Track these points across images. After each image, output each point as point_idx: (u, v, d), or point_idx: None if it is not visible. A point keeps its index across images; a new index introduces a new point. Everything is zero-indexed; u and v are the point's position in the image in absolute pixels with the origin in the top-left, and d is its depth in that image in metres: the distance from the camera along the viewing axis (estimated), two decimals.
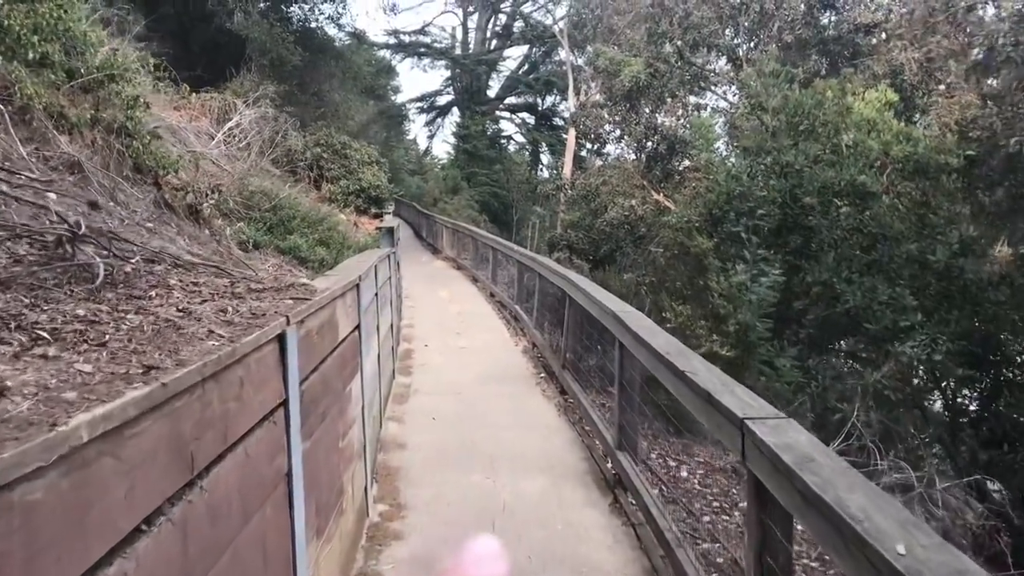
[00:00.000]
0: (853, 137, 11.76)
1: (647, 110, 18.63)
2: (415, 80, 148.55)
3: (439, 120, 56.09)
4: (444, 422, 6.78)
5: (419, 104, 54.75)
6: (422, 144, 60.31)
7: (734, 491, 5.81)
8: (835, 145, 11.81)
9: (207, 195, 7.04)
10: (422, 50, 50.10)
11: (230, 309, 2.95)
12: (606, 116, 19.19)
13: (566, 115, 46.13)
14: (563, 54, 42.75)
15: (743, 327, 7.40)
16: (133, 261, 3.56)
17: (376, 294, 6.44)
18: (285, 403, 2.84)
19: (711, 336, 7.39)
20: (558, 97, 48.90)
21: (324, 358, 3.60)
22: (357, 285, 4.70)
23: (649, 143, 18.86)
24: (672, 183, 19.40)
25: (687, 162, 19.97)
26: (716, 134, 15.10)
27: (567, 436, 6.46)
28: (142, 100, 7.08)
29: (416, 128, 59.80)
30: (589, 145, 22.56)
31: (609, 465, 5.62)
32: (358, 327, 4.74)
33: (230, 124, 12.97)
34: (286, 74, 19.74)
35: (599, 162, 35.91)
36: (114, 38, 12.79)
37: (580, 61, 36.41)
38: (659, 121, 18.45)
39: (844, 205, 10.82)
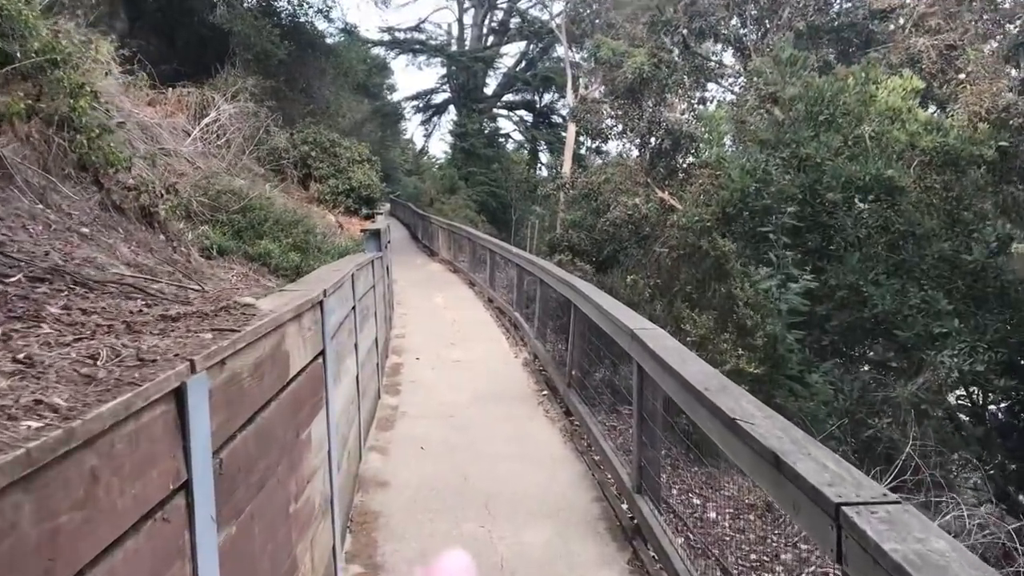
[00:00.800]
0: (876, 127, 10.93)
1: (650, 104, 17.78)
2: (411, 78, 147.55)
3: (435, 119, 55.34)
4: (434, 452, 5.93)
5: (415, 102, 53.99)
6: (418, 143, 59.57)
7: (772, 538, 4.96)
8: (857, 136, 10.98)
9: (162, 195, 6.20)
10: (417, 47, 49.28)
11: (108, 352, 2.09)
12: (607, 110, 18.34)
13: (565, 112, 45.33)
14: (561, 50, 41.96)
15: (771, 339, 6.57)
16: (11, 280, 2.69)
17: (354, 308, 5.60)
18: (187, 485, 1.99)
19: (735, 350, 6.56)
20: (556, 94, 48.11)
21: (263, 405, 2.74)
22: (320, 303, 3.85)
23: (652, 139, 18.00)
24: (676, 180, 18.57)
25: (691, 158, 19.18)
26: (726, 128, 14.24)
27: (575, 470, 5.60)
28: (89, 89, 6.22)
29: (412, 127, 58.91)
30: (590, 142, 21.72)
31: (625, 507, 4.77)
32: (322, 353, 3.89)
33: (207, 120, 12.13)
34: (272, 69, 18.89)
35: (599, 160, 35.32)
36: (87, 30, 11.97)
37: (578, 57, 35.61)
38: (663, 115, 17.58)
39: (871, 201, 9.98)
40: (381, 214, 18.07)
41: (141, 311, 2.70)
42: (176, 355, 2.07)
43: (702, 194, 16.30)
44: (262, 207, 8.18)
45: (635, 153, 19.21)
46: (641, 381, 4.41)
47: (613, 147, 20.93)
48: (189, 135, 12.20)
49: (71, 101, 6.01)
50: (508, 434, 6.35)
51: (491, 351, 9.84)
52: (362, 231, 9.46)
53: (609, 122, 18.44)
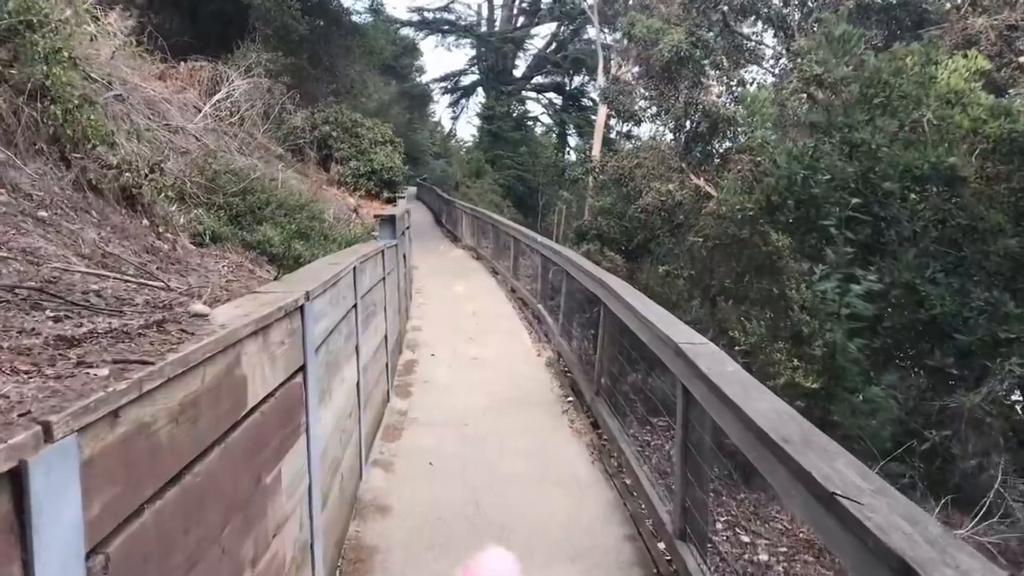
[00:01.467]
0: (936, 111, 10.00)
1: (686, 85, 16.88)
2: (439, 59, 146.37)
3: (463, 101, 54.53)
4: (444, 470, 5.25)
5: (443, 84, 53.22)
6: (446, 126, 58.89)
7: None
8: (915, 121, 10.07)
9: (147, 175, 5.54)
10: (446, 27, 48.41)
11: None
12: (641, 91, 17.48)
13: (595, 95, 44.31)
14: (592, 32, 40.92)
15: (831, 349, 5.79)
16: None
17: (355, 306, 4.93)
18: None
19: (790, 361, 5.77)
20: (587, 77, 47.06)
21: (198, 456, 2.06)
22: (300, 308, 3.17)
23: (688, 122, 17.11)
24: (712, 166, 17.67)
25: (728, 143, 18.27)
26: (771, 111, 13.33)
27: (604, 497, 4.89)
28: (67, 55, 5.56)
29: (440, 109, 58.21)
30: (620, 125, 20.86)
31: (662, 547, 4.06)
32: (302, 369, 3.21)
33: (218, 96, 11.49)
34: (293, 45, 18.22)
35: (629, 145, 34.32)
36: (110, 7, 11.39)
37: (610, 39, 34.60)
38: (700, 97, 16.70)
39: (933, 192, 9.10)
40: (403, 197, 17.40)
41: (33, 329, 2.04)
42: (23, 414, 1.39)
43: (741, 181, 15.41)
44: (264, 189, 7.50)
45: (669, 137, 18.32)
46: (687, 406, 3.68)
47: (645, 131, 20.04)
48: (200, 111, 11.58)
49: (45, 68, 5.37)
50: (528, 449, 5.64)
51: (512, 348, 9.14)
52: (375, 217, 8.79)
53: (642, 103, 17.58)
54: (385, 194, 17.62)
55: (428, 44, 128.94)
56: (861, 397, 5.78)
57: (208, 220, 6.28)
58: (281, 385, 2.91)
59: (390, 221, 8.28)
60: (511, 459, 5.42)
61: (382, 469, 5.26)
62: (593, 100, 45.83)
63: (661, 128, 18.12)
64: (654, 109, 17.42)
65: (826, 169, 9.87)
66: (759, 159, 12.39)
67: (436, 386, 7.32)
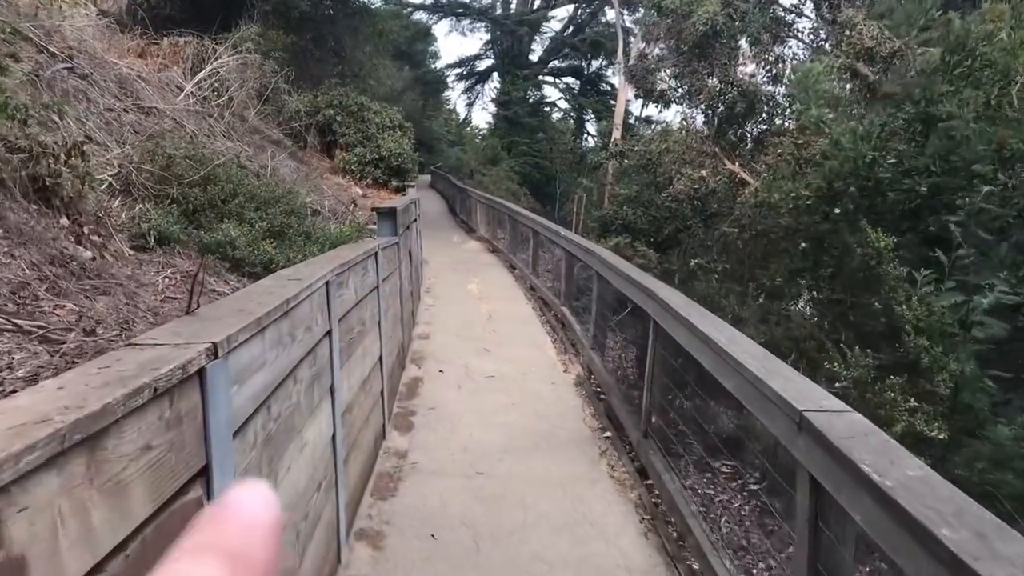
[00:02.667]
0: None
1: (721, 62, 15.45)
2: (453, 44, 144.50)
3: (478, 87, 53.12)
4: (450, 548, 3.97)
5: (458, 70, 51.80)
6: (461, 113, 57.57)
7: None
8: (1003, 92, 8.66)
9: (65, 160, 4.28)
10: (460, 10, 46.94)
11: None
12: (669, 71, 16.07)
13: (615, 80, 42.80)
14: (611, 14, 39.36)
15: (957, 383, 4.44)
16: None
17: (329, 333, 3.65)
18: None
19: (906, 402, 4.40)
20: (605, 61, 45.52)
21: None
22: (198, 373, 1.91)
23: (721, 103, 15.67)
24: (745, 151, 16.25)
25: (763, 126, 16.86)
26: (826, 86, 11.88)
27: None
28: None
29: (454, 96, 56.62)
30: (643, 109, 19.45)
31: None
32: (205, 471, 1.96)
33: (201, 74, 10.23)
34: (294, 23, 16.94)
35: (648, 130, 33.17)
36: None
37: (630, 20, 33.09)
38: (736, 75, 15.28)
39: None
40: (413, 186, 16.09)
41: None
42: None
43: (781, 166, 14.10)
44: (230, 178, 6.20)
45: (699, 120, 16.91)
46: (816, 504, 2.39)
47: (671, 114, 18.68)
48: (183, 91, 10.33)
49: None
50: (560, 514, 4.35)
51: (534, 361, 7.85)
52: (372, 210, 7.53)
53: (671, 83, 16.15)
54: (394, 183, 16.32)
55: (442, 29, 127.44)
56: (990, 442, 4.45)
57: (156, 217, 5.02)
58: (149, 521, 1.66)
59: (389, 215, 7.01)
60: (538, 533, 4.13)
61: (369, 546, 3.99)
62: (612, 85, 44.32)
63: (690, 110, 16.68)
64: (684, 89, 15.99)
65: (897, 151, 8.52)
66: (805, 142, 11.03)
67: (444, 415, 6.04)
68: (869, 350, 4.62)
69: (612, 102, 38.04)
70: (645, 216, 15.79)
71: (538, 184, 37.30)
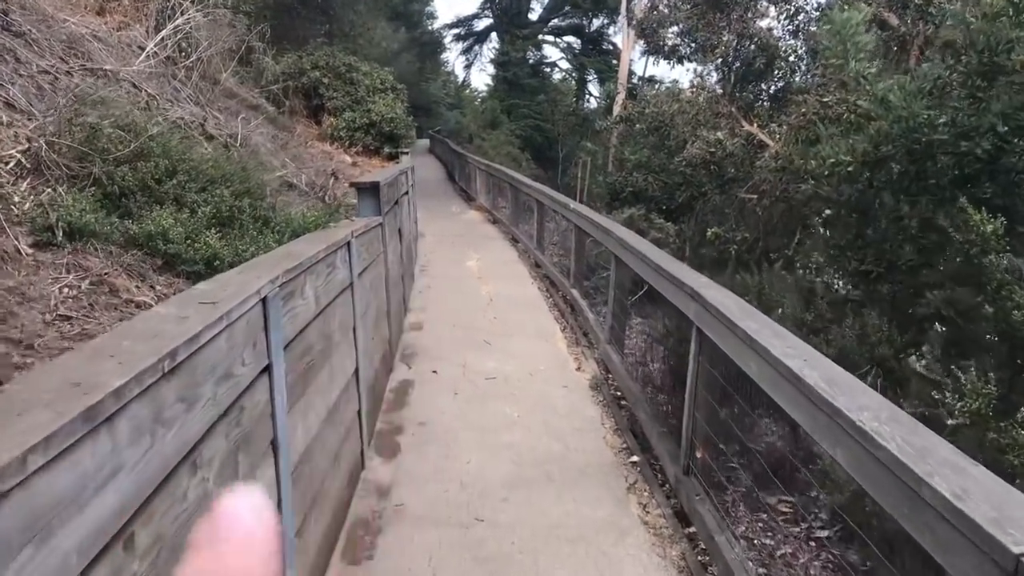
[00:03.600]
0: None
1: (738, 14, 14.20)
2: (450, 3, 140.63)
3: (477, 48, 51.37)
4: None
5: (455, 30, 50.10)
6: (460, 76, 56.06)
7: None
8: None
9: None
10: None
11: None
12: (683, 24, 14.84)
13: (616, 39, 41.22)
14: None
15: None
16: None
17: (268, 368, 2.65)
18: None
19: None
20: (607, 20, 43.84)
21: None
22: None
23: (737, 59, 14.44)
24: (763, 110, 15.05)
25: (780, 83, 15.68)
26: (865, 38, 10.66)
27: None
28: None
29: (452, 57, 54.94)
30: (647, 67, 18.18)
31: None
32: None
33: (164, 32, 9.10)
34: None
35: (653, 90, 31.82)
36: None
37: None
38: (755, 26, 14.08)
39: None
40: (407, 152, 14.95)
41: None
42: None
43: (805, 127, 13.04)
44: (167, 152, 5.07)
45: (714, 77, 15.69)
46: None
47: (680, 73, 17.46)
48: (144, 51, 9.21)
49: None
50: None
51: (542, 356, 6.85)
52: (351, 185, 6.48)
53: (684, 39, 14.91)
54: (386, 149, 15.17)
55: None
56: None
57: (69, 203, 3.98)
58: None
59: (371, 191, 5.96)
60: None
61: None
62: (614, 44, 42.72)
63: (704, 67, 15.43)
64: (696, 44, 14.74)
65: (954, 108, 7.44)
66: (844, 99, 9.92)
67: (437, 432, 5.06)
68: (989, 375, 3.59)
69: (615, 61, 36.61)
70: (656, 182, 14.68)
71: (539, 147, 35.98)
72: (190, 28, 9.49)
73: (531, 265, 11.17)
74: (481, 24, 49.96)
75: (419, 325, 7.73)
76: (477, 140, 32.84)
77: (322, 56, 15.39)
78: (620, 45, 33.16)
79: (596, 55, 43.40)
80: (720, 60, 14.93)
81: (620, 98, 28.86)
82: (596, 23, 45.01)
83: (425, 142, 44.34)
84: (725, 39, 14.17)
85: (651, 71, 31.89)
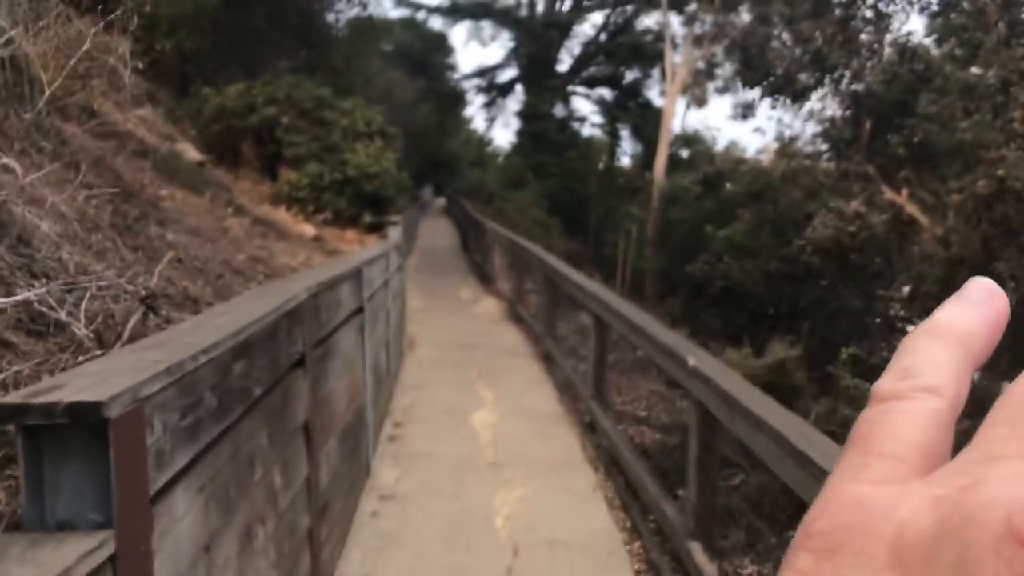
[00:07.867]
0: None
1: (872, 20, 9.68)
2: (472, 56, 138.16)
3: (500, 101, 47.52)
4: None
5: (477, 81, 46.35)
6: (480, 130, 52.23)
7: None
8: None
9: None
10: (480, 12, 41.69)
11: None
12: (795, 50, 10.33)
13: (649, 93, 37.31)
14: (653, 18, 33.97)
15: None
16: None
17: None
18: None
19: None
20: (641, 72, 39.82)
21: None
22: None
23: (878, 82, 9.85)
24: (914, 167, 10.44)
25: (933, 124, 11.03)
26: None
27: None
28: None
29: (473, 111, 50.99)
30: (736, 112, 13.75)
31: None
32: None
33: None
34: None
35: (686, 152, 27.80)
36: None
37: (676, 22, 27.40)
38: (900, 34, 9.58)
39: None
40: (396, 222, 10.46)
41: None
42: None
43: (997, 195, 8.74)
44: None
45: (828, 113, 11.07)
46: None
47: (736, 130, 12.96)
48: None
49: None
50: None
51: None
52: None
53: (799, 70, 10.29)
54: (367, 218, 10.69)
55: (459, 36, 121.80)
56: None
57: None
58: None
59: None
60: None
61: None
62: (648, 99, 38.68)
63: (821, 104, 10.81)
64: (818, 73, 10.13)
65: None
66: None
67: None
68: None
69: (659, 108, 32.39)
70: (756, 273, 9.98)
71: (569, 210, 31.44)
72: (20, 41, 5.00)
73: (582, 427, 6.44)
74: (505, 75, 46.25)
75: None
76: (498, 201, 28.44)
77: (282, 87, 11.01)
78: (666, 92, 28.84)
79: (635, 106, 39.23)
80: (845, 96, 10.36)
81: (662, 159, 24.59)
82: (629, 76, 41.00)
83: (442, 201, 40.92)
84: (859, 60, 9.62)
85: (697, 121, 27.67)
